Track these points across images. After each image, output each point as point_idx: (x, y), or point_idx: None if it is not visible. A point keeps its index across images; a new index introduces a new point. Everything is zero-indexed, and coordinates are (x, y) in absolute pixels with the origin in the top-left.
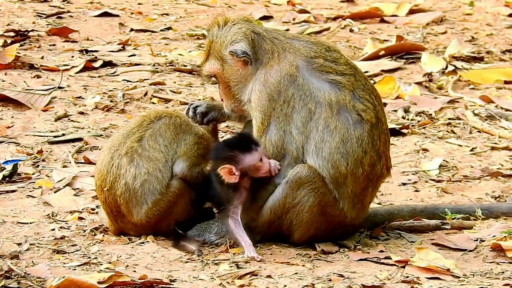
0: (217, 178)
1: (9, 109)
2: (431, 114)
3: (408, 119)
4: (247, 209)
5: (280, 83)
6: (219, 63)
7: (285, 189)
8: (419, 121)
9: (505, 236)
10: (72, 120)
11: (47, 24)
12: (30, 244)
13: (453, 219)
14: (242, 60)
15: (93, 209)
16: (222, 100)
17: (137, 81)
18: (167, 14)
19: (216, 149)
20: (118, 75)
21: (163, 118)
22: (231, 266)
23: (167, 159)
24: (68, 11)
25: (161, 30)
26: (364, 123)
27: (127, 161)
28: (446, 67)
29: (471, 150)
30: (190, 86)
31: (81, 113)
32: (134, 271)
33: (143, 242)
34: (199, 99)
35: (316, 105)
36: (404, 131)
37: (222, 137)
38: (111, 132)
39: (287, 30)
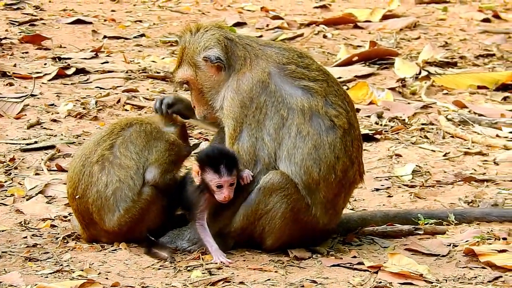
0: (189, 180)
1: None
2: (404, 120)
3: (381, 125)
4: (219, 215)
5: (252, 90)
6: (192, 69)
7: (258, 196)
8: (392, 127)
9: (478, 241)
10: (44, 128)
11: (20, 32)
12: (2, 252)
13: (426, 224)
14: (215, 66)
15: (65, 217)
16: (194, 107)
17: (110, 88)
18: (140, 21)
19: (207, 147)
20: (91, 82)
21: (134, 125)
22: (203, 273)
23: (138, 167)
24: (41, 19)
25: (134, 37)
26: (337, 129)
27: (98, 169)
28: (420, 73)
29: (444, 155)
30: (163, 93)
31: (54, 120)
32: (107, 279)
33: (115, 250)
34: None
35: (288, 111)
36: (377, 136)
37: (195, 144)
38: (84, 139)
39: (261, 36)
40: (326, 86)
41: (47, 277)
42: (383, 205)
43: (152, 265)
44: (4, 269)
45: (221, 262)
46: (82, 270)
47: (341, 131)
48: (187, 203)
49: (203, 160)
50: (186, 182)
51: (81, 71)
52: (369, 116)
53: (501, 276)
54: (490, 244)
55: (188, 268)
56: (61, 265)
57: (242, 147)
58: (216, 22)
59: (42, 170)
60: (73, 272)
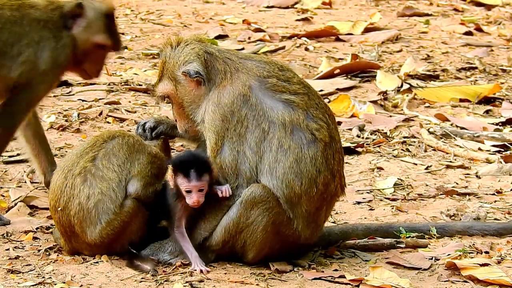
0: (167, 186)
1: None
2: (386, 133)
3: (363, 138)
4: (199, 228)
5: (233, 103)
6: (172, 84)
7: (239, 209)
8: (374, 140)
9: (460, 255)
10: None
11: None
12: None
13: (407, 237)
14: (195, 81)
15: (47, 229)
16: (175, 120)
17: (93, 101)
18: (122, 34)
19: (182, 153)
20: (73, 94)
21: (116, 138)
22: (185, 286)
23: (120, 179)
24: None
25: None
26: (318, 142)
27: (80, 181)
28: (401, 86)
29: (426, 168)
30: (145, 106)
31: None
32: None
33: (97, 262)
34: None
35: (269, 124)
36: (359, 149)
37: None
38: (66, 151)
39: (242, 49)
40: (307, 100)
41: None
42: (365, 218)
43: (134, 277)
44: None
45: (200, 270)
46: (64, 283)
47: (322, 145)
48: (166, 211)
49: (175, 164)
50: (165, 189)
51: (63, 83)
52: (350, 129)
53: None
54: (472, 258)
55: (170, 281)
56: (43, 277)
57: (224, 160)
58: (197, 36)
59: (25, 182)
60: (55, 284)
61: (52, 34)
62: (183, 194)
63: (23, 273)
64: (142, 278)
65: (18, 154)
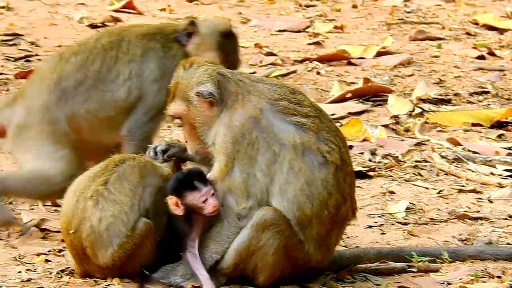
0: (173, 218)
1: None
2: (397, 157)
3: (374, 162)
4: (211, 250)
5: (244, 125)
6: (185, 104)
7: (250, 232)
8: (385, 164)
9: (472, 279)
10: None
11: (16, 67)
12: None
13: (419, 261)
14: (208, 101)
15: (60, 251)
16: (186, 141)
17: None
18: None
19: (170, 180)
20: None
21: (127, 161)
22: None
23: (133, 203)
24: (37, 54)
25: None
26: (329, 164)
27: (92, 204)
28: (413, 110)
29: (438, 192)
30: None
31: None
32: None
33: (108, 285)
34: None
35: (280, 147)
36: (371, 173)
37: None
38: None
39: (254, 72)
40: (318, 122)
41: None
42: (376, 242)
43: None
44: None
45: None
46: None
47: (334, 167)
48: (177, 234)
49: (176, 187)
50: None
51: None
52: (362, 153)
53: None
54: (484, 282)
55: None
56: None
57: (234, 182)
58: (209, 58)
59: (37, 205)
60: None
61: (160, 45)
62: (195, 211)
63: None
64: None
65: None
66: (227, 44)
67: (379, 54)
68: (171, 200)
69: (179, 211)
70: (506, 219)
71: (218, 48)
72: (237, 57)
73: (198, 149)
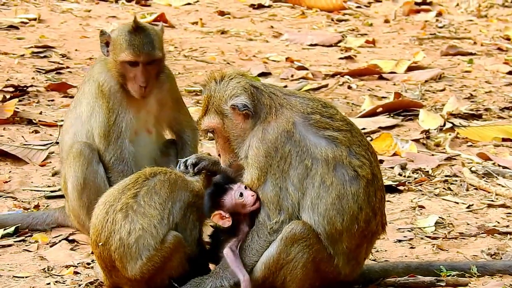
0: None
1: (7, 164)
2: (428, 171)
3: (404, 176)
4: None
5: (277, 139)
6: (219, 117)
7: (280, 245)
8: (415, 178)
9: None
10: None
11: (46, 80)
12: None
13: (448, 276)
14: (243, 114)
15: (88, 264)
16: (219, 155)
17: None
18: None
19: (210, 189)
20: None
21: (158, 175)
22: None
23: (162, 216)
24: (67, 67)
25: None
26: (360, 179)
27: (122, 216)
28: (444, 124)
29: (468, 207)
30: None
31: None
32: None
33: None
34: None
35: (312, 161)
36: (401, 188)
37: None
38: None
39: (285, 86)
40: (350, 136)
41: None
42: (405, 256)
43: None
44: None
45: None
46: None
47: (365, 182)
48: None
49: (215, 194)
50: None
51: None
52: (392, 168)
53: None
54: None
55: None
56: None
57: (266, 196)
58: (240, 70)
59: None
60: None
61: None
62: (240, 207)
63: None
64: None
65: (60, 189)
66: (135, 40)
67: (411, 68)
68: (216, 217)
69: (227, 222)
70: None
71: (127, 46)
72: (153, 48)
73: (231, 162)
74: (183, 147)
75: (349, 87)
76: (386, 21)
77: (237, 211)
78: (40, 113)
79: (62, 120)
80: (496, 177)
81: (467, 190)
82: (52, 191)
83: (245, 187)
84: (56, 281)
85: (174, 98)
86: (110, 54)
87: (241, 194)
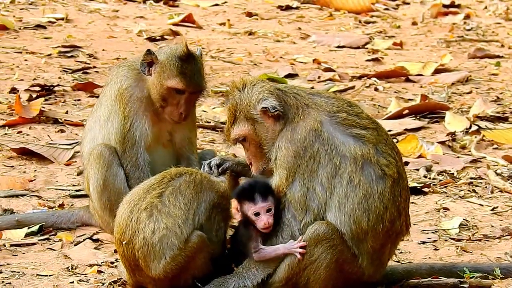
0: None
1: (32, 162)
2: (453, 174)
3: (429, 178)
4: (263, 263)
5: (305, 139)
6: (249, 124)
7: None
8: (440, 180)
9: None
10: None
11: (73, 79)
12: None
13: (471, 278)
14: (273, 116)
15: (112, 263)
16: (250, 163)
17: None
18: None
19: (241, 184)
20: None
21: (183, 175)
22: None
23: (187, 216)
24: (94, 67)
25: None
26: (387, 178)
27: (146, 216)
28: (470, 127)
29: (492, 209)
30: (213, 142)
31: None
32: None
33: None
34: (222, 155)
35: (341, 159)
36: (426, 189)
37: None
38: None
39: (312, 88)
40: (376, 135)
41: None
42: (429, 258)
43: None
44: None
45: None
46: None
47: (391, 181)
48: (239, 246)
49: (238, 193)
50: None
51: None
52: (417, 169)
53: None
54: None
55: None
56: None
57: (293, 196)
58: (257, 77)
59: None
60: None
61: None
62: (253, 222)
63: None
64: None
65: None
66: (186, 69)
67: (438, 71)
68: (234, 203)
69: (238, 216)
70: None
71: (177, 73)
72: (201, 78)
73: (264, 168)
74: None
75: (376, 89)
76: (414, 24)
77: (249, 220)
78: (66, 112)
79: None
80: None
81: (492, 192)
82: (76, 190)
83: (269, 211)
84: (79, 280)
85: (192, 118)
86: (154, 75)
87: (258, 215)
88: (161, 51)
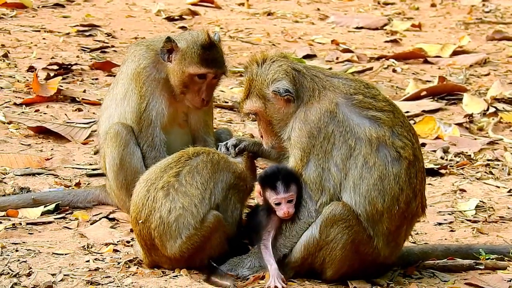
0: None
1: (49, 141)
2: (470, 155)
3: (446, 160)
4: (280, 244)
5: (320, 120)
6: (261, 102)
7: (319, 226)
8: (457, 162)
9: None
10: None
11: (91, 58)
12: (64, 275)
13: (487, 259)
14: (284, 99)
15: (128, 242)
16: (261, 137)
17: None
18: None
19: (267, 168)
20: None
21: (201, 155)
22: None
23: (204, 196)
24: (112, 46)
25: None
26: (402, 160)
27: (163, 195)
28: (488, 109)
29: (509, 191)
30: (231, 122)
31: None
32: None
33: (176, 276)
34: (239, 135)
35: (356, 141)
36: (442, 171)
37: None
38: None
39: (330, 69)
40: (392, 117)
41: None
42: (445, 239)
43: None
44: None
45: (275, 286)
46: None
47: (406, 163)
48: (253, 226)
49: (262, 179)
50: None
51: None
52: (434, 151)
53: None
54: None
55: None
56: None
57: (309, 177)
58: (282, 52)
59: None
60: None
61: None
62: (273, 208)
63: (102, 285)
64: None
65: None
66: (209, 55)
67: (456, 53)
68: (257, 187)
69: (259, 200)
70: None
71: (199, 60)
72: (222, 63)
73: (274, 144)
74: None
75: (394, 71)
76: (433, 5)
77: (270, 206)
78: (84, 91)
79: None
80: None
81: (509, 174)
82: (93, 169)
83: (290, 201)
84: (95, 259)
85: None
86: (175, 62)
87: (279, 204)
88: (181, 38)
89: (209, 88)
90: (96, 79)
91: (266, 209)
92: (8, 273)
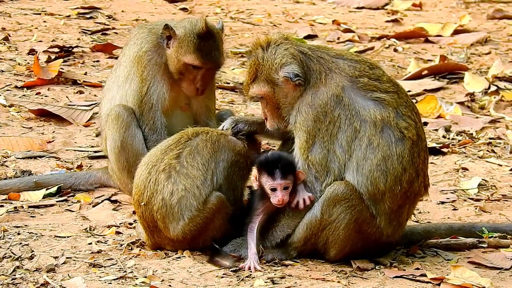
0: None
1: (50, 124)
2: (472, 134)
3: (448, 138)
4: (282, 224)
5: (327, 104)
6: (269, 86)
7: (322, 206)
8: (459, 141)
9: None
10: None
11: (92, 41)
12: (67, 258)
13: (490, 237)
14: (295, 83)
15: (130, 224)
16: (265, 119)
17: None
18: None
19: (263, 154)
20: None
21: (200, 134)
22: (266, 282)
23: (205, 177)
24: (113, 28)
25: None
26: (406, 140)
27: (164, 177)
28: (489, 87)
29: (511, 169)
30: (232, 103)
31: None
32: (170, 286)
33: (179, 257)
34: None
35: (361, 123)
36: (444, 150)
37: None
38: None
39: None
40: (397, 98)
41: (110, 283)
42: (448, 218)
43: (215, 273)
44: (68, 275)
45: (249, 267)
46: (146, 277)
47: (410, 143)
48: (249, 206)
49: (260, 163)
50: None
51: None
52: (436, 130)
53: None
54: None
55: (251, 277)
56: (125, 271)
57: (314, 158)
58: (283, 34)
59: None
60: (137, 278)
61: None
62: (268, 194)
63: (105, 267)
64: (223, 274)
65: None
66: (204, 46)
67: (457, 32)
68: (254, 171)
69: (255, 184)
70: None
71: (195, 50)
72: (219, 55)
73: (279, 126)
74: None
75: (395, 50)
76: None
77: (265, 191)
78: (85, 73)
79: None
80: None
81: (511, 152)
82: (95, 152)
83: (286, 188)
84: (98, 241)
85: (210, 87)
86: (172, 50)
87: (274, 190)
88: (180, 25)
89: (204, 78)
90: (97, 61)
91: (260, 194)
92: (10, 256)
